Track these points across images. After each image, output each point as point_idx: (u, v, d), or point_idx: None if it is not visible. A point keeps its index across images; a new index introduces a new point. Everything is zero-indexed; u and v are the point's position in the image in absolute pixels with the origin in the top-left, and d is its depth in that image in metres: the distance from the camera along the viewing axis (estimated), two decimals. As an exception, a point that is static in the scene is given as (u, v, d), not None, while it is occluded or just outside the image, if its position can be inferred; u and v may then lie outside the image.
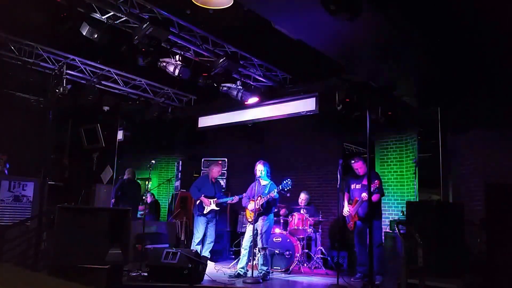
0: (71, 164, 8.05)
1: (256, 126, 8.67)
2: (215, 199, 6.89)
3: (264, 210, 6.03)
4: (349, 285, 5.57)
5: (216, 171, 7.13)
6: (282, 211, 7.77)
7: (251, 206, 6.14)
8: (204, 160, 8.88)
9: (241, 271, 6.02)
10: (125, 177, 9.03)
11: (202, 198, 6.84)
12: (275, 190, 5.97)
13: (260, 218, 6.06)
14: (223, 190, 7.66)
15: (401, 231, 4.55)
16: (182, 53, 6.37)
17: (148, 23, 5.21)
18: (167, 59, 6.39)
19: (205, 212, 6.82)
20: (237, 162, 9.53)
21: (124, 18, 5.42)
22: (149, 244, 6.82)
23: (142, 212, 8.35)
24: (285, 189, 5.97)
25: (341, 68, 5.94)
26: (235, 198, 6.98)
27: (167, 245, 7.06)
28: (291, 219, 7.15)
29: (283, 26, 4.56)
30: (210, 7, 4.50)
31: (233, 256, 8.13)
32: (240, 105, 7.93)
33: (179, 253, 5.39)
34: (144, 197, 8.86)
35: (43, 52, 6.59)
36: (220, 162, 7.78)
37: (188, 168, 9.60)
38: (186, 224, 7.93)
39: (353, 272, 6.52)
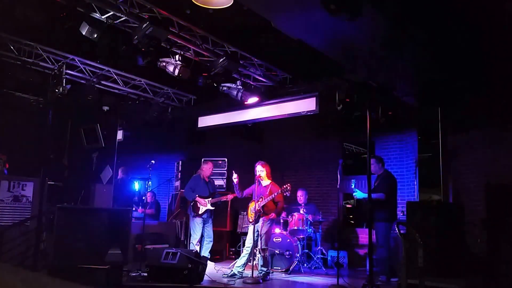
0: (70, 164, 8.05)
1: (256, 126, 8.67)
2: (210, 198, 6.87)
3: (265, 212, 6.03)
4: (349, 285, 5.57)
5: (207, 169, 7.09)
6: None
7: (251, 206, 6.15)
8: (204, 160, 8.86)
9: (236, 269, 6.02)
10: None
11: (197, 198, 6.81)
12: (275, 194, 5.96)
13: (261, 219, 6.06)
14: (216, 189, 7.60)
15: (401, 231, 4.55)
16: (182, 53, 6.36)
17: (148, 22, 5.20)
18: (167, 59, 6.38)
19: (200, 212, 6.79)
20: (237, 162, 9.52)
21: (124, 18, 5.41)
22: (149, 244, 6.81)
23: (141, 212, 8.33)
24: (284, 194, 6.00)
25: (341, 68, 5.94)
26: (229, 196, 6.97)
27: (167, 245, 7.05)
28: (291, 219, 7.15)
29: (283, 26, 4.55)
30: (210, 6, 4.50)
31: (233, 256, 8.12)
32: (240, 105, 7.92)
33: (179, 253, 5.38)
34: (144, 197, 8.84)
35: (43, 52, 6.58)
36: (209, 161, 7.73)
37: (188, 168, 9.59)
38: (186, 224, 7.91)
39: (353, 271, 6.53)
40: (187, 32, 5.87)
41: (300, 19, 4.27)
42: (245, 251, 6.10)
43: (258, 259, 6.16)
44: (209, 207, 6.82)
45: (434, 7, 4.42)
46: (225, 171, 9.56)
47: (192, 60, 6.54)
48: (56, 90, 5.87)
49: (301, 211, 7.18)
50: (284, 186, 5.97)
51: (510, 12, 4.41)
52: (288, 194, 6.02)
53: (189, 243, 6.92)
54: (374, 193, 5.84)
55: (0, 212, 5.53)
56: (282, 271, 6.70)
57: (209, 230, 6.91)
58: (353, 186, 6.23)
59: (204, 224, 6.84)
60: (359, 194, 6.25)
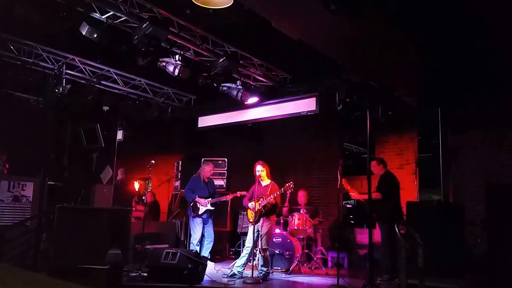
0: (70, 164, 8.04)
1: (256, 126, 8.67)
2: (210, 199, 6.86)
3: (266, 212, 6.03)
4: (349, 285, 5.57)
5: (208, 170, 7.08)
6: (284, 210, 7.74)
7: (252, 206, 6.14)
8: (204, 160, 8.86)
9: (236, 269, 6.02)
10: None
11: (197, 199, 6.81)
12: (277, 193, 5.98)
13: (262, 219, 6.05)
14: (216, 189, 7.58)
15: (401, 231, 4.55)
16: (182, 52, 6.35)
17: (147, 22, 5.20)
18: (166, 59, 6.38)
19: (200, 212, 6.79)
20: (237, 162, 9.52)
21: (124, 18, 5.41)
22: (148, 244, 6.81)
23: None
24: (287, 192, 6.00)
25: (341, 68, 5.94)
26: (229, 196, 6.96)
27: (167, 245, 7.05)
28: (291, 219, 7.15)
29: (283, 26, 4.55)
30: (210, 6, 4.49)
31: (233, 256, 8.12)
32: (240, 105, 7.92)
33: (179, 253, 5.38)
34: (143, 197, 8.84)
35: (43, 52, 6.58)
36: (210, 162, 7.72)
37: (188, 168, 9.58)
38: (186, 224, 7.91)
39: (353, 271, 6.53)
40: (187, 32, 5.87)
41: (300, 19, 4.27)
42: (245, 251, 6.10)
43: (258, 259, 6.16)
44: (209, 207, 6.82)
45: (434, 7, 4.42)
46: (225, 171, 9.56)
47: (192, 60, 6.53)
48: (56, 90, 5.87)
49: (302, 212, 7.18)
50: (287, 184, 5.97)
51: (509, 12, 4.41)
52: (291, 190, 6.03)
53: (189, 243, 6.91)
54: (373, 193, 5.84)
55: (0, 212, 5.53)
56: (282, 271, 6.70)
57: (209, 230, 6.90)
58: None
59: (204, 224, 6.84)
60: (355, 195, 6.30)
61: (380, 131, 7.71)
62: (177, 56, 6.36)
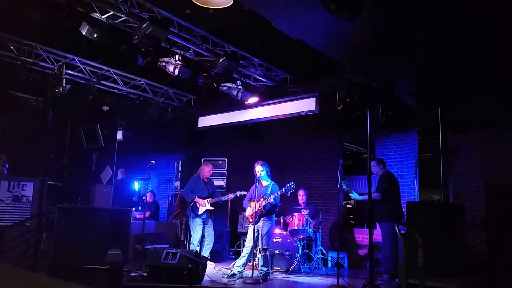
0: (70, 164, 8.05)
1: (256, 126, 8.66)
2: (209, 199, 6.87)
3: (266, 212, 6.03)
4: (349, 285, 5.57)
5: (207, 170, 7.08)
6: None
7: (252, 206, 6.14)
8: (204, 160, 8.87)
9: (236, 269, 6.02)
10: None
11: (197, 199, 6.81)
12: (278, 193, 5.98)
13: (262, 219, 6.05)
14: (216, 189, 7.57)
15: (401, 231, 4.55)
16: (182, 52, 6.35)
17: (147, 22, 5.20)
18: (166, 59, 6.38)
19: (199, 213, 6.78)
20: (237, 162, 9.53)
21: (124, 18, 5.41)
22: (148, 244, 6.81)
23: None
24: (288, 192, 5.99)
25: (341, 68, 5.94)
26: (230, 196, 6.97)
27: (167, 245, 7.05)
28: (291, 219, 7.14)
29: (283, 26, 4.55)
30: (210, 6, 4.49)
31: (233, 256, 8.12)
32: (240, 105, 7.91)
33: (179, 253, 5.38)
34: (144, 197, 8.84)
35: (43, 52, 6.58)
36: (209, 162, 7.72)
37: (188, 168, 9.60)
38: (186, 224, 7.91)
39: (353, 271, 6.53)
40: (187, 32, 5.87)
41: (300, 19, 4.27)
42: (245, 251, 6.10)
43: (258, 259, 6.16)
44: (208, 207, 6.82)
45: (434, 7, 4.42)
46: (225, 171, 9.57)
47: (192, 60, 6.53)
48: (56, 90, 5.87)
49: (302, 212, 7.17)
50: (288, 185, 5.97)
51: (509, 12, 4.41)
52: (292, 191, 6.02)
53: (189, 243, 6.92)
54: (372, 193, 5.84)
55: (0, 212, 5.54)
56: (282, 271, 6.69)
57: (209, 231, 6.90)
58: (344, 187, 6.21)
59: (204, 224, 6.84)
60: (355, 195, 6.30)
61: (380, 131, 7.71)
62: (177, 56, 6.36)
